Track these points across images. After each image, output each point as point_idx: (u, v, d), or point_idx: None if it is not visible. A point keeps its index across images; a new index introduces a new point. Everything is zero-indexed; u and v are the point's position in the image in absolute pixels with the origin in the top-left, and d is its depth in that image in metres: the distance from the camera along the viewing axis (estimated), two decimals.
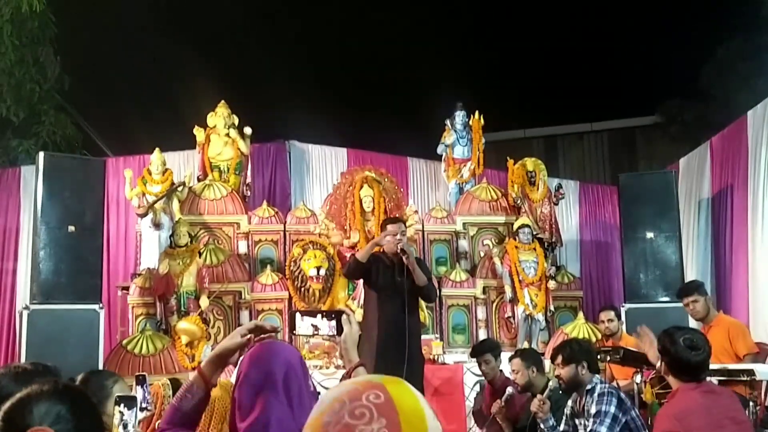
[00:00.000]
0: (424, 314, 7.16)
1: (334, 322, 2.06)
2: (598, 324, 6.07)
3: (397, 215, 7.11)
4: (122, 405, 1.90)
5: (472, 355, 5.32)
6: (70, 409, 1.31)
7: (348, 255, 7.06)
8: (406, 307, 4.60)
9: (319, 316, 2.11)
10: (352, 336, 2.03)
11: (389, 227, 4.78)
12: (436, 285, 6.75)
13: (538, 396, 4.13)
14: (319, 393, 1.74)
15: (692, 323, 6.73)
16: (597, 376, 3.92)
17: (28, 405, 1.29)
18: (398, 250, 4.62)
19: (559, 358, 3.99)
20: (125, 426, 1.85)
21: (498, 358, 5.07)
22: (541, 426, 4.02)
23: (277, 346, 1.86)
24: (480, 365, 5.11)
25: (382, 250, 4.88)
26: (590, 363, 3.89)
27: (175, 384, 3.71)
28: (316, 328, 2.07)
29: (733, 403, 3.10)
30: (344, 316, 2.06)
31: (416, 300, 4.89)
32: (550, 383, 4.42)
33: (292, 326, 2.14)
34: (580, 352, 3.93)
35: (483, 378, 5.31)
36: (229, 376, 6.01)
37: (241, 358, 1.85)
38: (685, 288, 5.31)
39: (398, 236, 4.66)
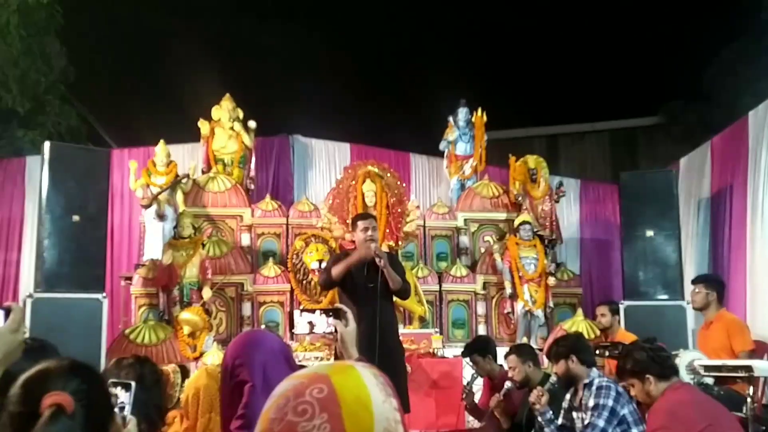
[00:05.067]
0: (423, 308, 7.22)
1: (332, 319, 2.11)
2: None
3: (399, 210, 7.18)
4: (118, 387, 1.88)
5: (462, 354, 5.35)
6: (84, 384, 1.36)
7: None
8: (380, 305, 4.41)
9: (317, 312, 2.15)
10: (350, 333, 2.08)
11: (359, 223, 4.56)
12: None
13: (538, 387, 4.15)
14: None
15: (690, 318, 6.81)
16: (594, 370, 3.95)
17: (47, 376, 1.35)
18: (374, 256, 4.42)
19: (552, 358, 4.07)
20: (122, 408, 1.83)
21: (486, 357, 5.04)
22: (539, 419, 4.03)
23: (258, 336, 1.86)
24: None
25: (354, 249, 4.71)
26: (580, 355, 3.91)
27: (184, 371, 3.74)
28: (312, 325, 2.11)
29: (715, 400, 3.34)
30: (342, 313, 2.11)
31: (391, 296, 4.69)
32: (552, 377, 4.44)
33: (292, 324, 2.19)
34: (565, 347, 3.97)
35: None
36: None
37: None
38: (696, 277, 5.56)
39: (369, 233, 4.47)
